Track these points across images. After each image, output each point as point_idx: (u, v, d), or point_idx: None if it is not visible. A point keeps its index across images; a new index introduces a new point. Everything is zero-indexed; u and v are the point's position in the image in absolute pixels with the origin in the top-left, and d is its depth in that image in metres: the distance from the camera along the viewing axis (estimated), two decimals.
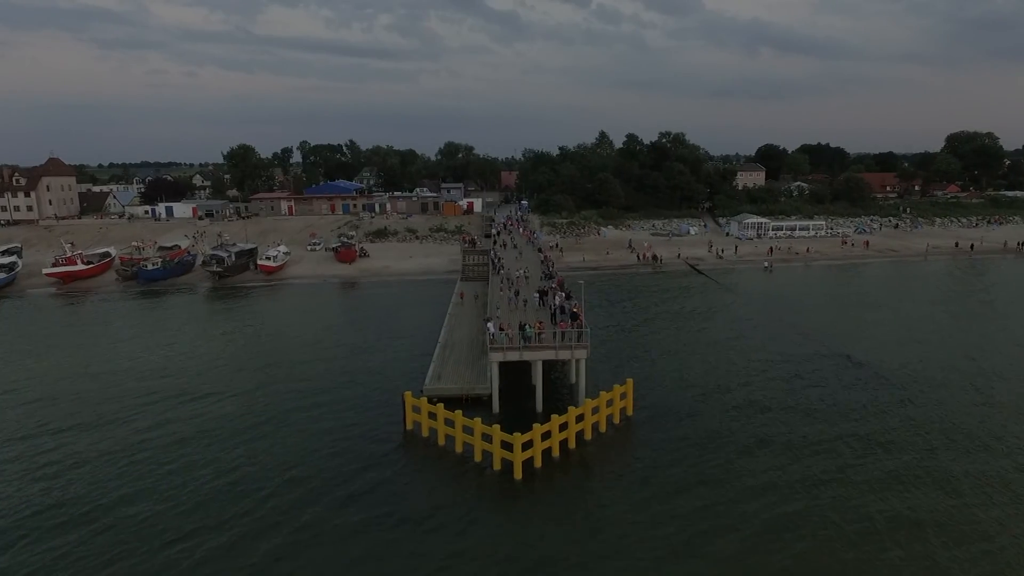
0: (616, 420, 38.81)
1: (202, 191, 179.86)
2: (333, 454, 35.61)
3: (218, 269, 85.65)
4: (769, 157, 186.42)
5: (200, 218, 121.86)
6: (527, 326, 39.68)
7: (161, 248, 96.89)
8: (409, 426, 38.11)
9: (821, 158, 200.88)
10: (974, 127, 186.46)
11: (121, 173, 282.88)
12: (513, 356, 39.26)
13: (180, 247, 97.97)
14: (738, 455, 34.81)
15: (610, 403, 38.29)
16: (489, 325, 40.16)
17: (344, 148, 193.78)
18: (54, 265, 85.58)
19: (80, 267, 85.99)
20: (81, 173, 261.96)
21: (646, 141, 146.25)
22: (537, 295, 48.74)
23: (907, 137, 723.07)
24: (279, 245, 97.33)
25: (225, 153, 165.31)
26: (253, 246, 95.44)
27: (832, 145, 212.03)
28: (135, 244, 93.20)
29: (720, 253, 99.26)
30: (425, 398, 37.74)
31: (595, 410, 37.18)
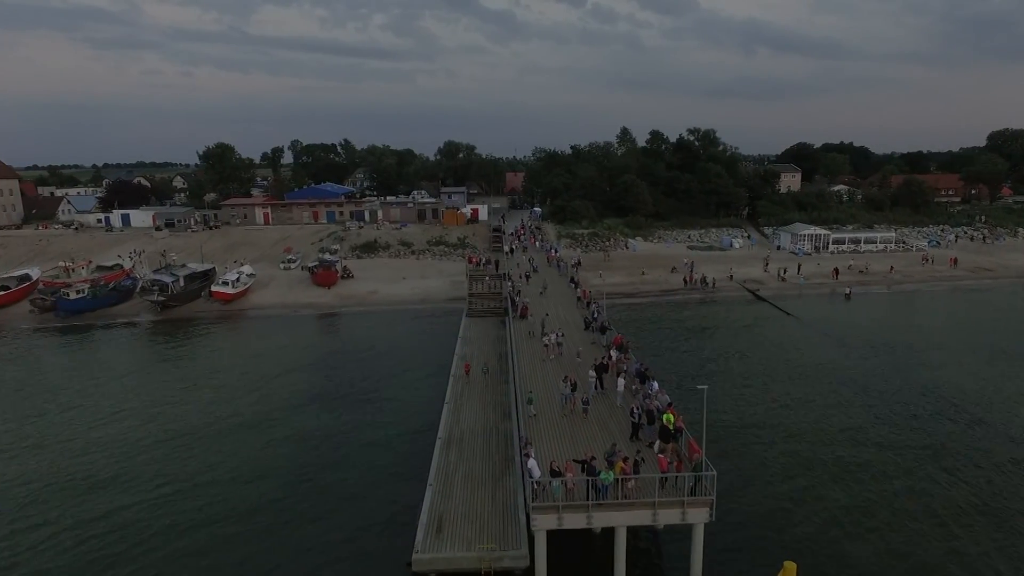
0: None
1: (182, 194, 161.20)
2: None
3: (160, 298, 67.77)
4: (802, 158, 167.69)
5: (158, 228, 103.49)
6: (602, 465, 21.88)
7: (100, 268, 79.00)
8: None
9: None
10: (981, 124, 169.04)
11: (95, 174, 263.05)
12: (576, 523, 21.51)
13: (123, 267, 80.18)
14: None
15: None
16: (531, 464, 22.21)
17: (338, 148, 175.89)
18: None
19: None
20: (58, 175, 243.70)
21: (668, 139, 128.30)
22: (593, 375, 30.69)
23: (911, 136, 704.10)
24: (242, 265, 79.08)
25: (201, 153, 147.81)
26: (210, 267, 77.47)
27: (846, 145, 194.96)
28: (62, 264, 74.95)
29: (782, 274, 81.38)
30: None
31: None
